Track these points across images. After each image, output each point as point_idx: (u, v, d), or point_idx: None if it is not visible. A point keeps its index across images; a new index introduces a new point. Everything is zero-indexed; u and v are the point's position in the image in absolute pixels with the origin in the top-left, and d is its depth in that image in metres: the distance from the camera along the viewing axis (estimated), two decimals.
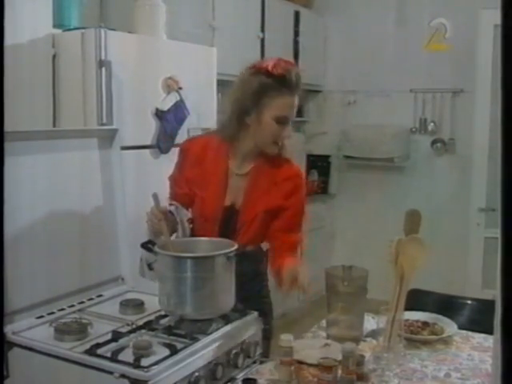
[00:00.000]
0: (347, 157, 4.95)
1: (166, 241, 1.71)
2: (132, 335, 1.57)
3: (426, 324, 1.92)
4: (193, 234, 1.93)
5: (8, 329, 1.56)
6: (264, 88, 1.79)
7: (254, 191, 1.92)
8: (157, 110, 2.84)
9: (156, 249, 1.66)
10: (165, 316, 1.67)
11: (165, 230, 1.72)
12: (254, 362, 1.68)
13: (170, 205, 1.88)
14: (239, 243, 1.83)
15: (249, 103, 1.82)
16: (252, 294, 1.91)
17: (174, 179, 2.00)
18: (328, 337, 1.81)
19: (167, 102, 2.87)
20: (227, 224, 1.91)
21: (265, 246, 2.09)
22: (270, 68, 1.79)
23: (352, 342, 1.54)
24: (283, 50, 4.49)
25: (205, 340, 1.53)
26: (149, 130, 2.84)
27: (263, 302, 2.02)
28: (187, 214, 1.91)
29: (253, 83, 1.81)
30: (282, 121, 1.83)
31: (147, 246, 1.70)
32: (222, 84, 3.14)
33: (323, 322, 2.00)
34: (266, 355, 1.79)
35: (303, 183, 2.02)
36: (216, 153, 1.94)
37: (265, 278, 2.09)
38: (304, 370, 1.58)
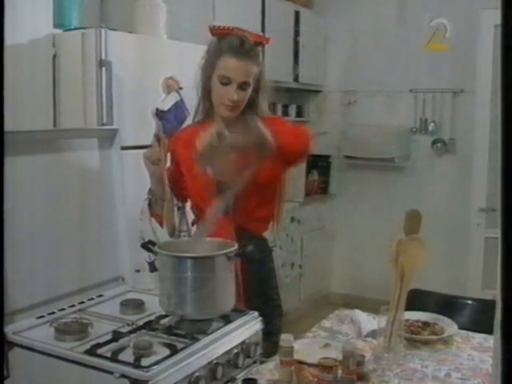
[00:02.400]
0: (347, 157, 4.95)
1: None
2: (132, 335, 1.57)
3: (426, 324, 1.92)
4: (198, 220, 1.95)
5: (8, 329, 1.55)
6: (212, 49, 1.90)
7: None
8: (157, 109, 2.83)
9: (156, 249, 1.66)
10: (165, 316, 1.67)
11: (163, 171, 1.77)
12: (255, 362, 1.68)
13: None
14: (236, 212, 1.87)
15: (207, 66, 1.91)
16: (259, 295, 1.91)
17: (170, 176, 2.00)
18: None
19: (167, 102, 2.86)
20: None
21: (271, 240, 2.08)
22: (218, 31, 1.90)
23: None
24: (283, 49, 4.50)
25: (205, 340, 1.53)
26: (149, 129, 2.82)
27: (272, 304, 2.01)
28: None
29: (208, 47, 1.93)
30: (224, 81, 1.86)
31: (147, 245, 1.70)
32: None
33: (323, 322, 2.00)
34: (270, 356, 1.78)
35: (285, 121, 2.05)
36: (201, 132, 1.95)
37: (272, 276, 2.07)
38: (304, 370, 1.58)
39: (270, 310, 1.85)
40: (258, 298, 1.91)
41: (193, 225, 2.01)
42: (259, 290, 1.94)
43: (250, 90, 1.89)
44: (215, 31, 1.91)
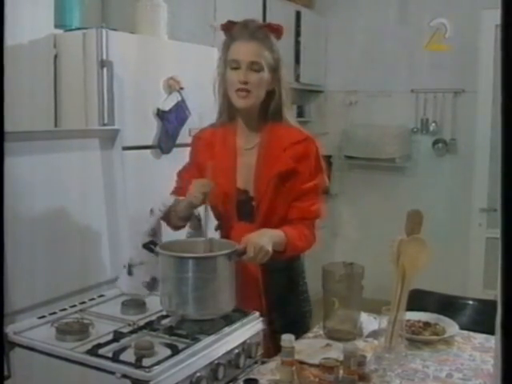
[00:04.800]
0: (348, 157, 4.95)
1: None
2: (133, 335, 1.57)
3: (427, 324, 1.91)
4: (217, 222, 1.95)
5: (9, 329, 1.56)
6: (223, 45, 1.90)
7: (264, 161, 1.91)
8: (158, 110, 2.84)
9: (157, 249, 1.66)
10: (166, 316, 1.67)
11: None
12: (256, 363, 1.67)
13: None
14: (258, 219, 1.87)
15: (221, 63, 1.91)
16: (291, 308, 1.93)
17: (185, 171, 2.00)
18: (324, 329, 1.81)
19: (168, 103, 2.87)
20: (244, 202, 1.90)
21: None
22: (226, 25, 1.90)
23: (348, 337, 1.54)
24: (284, 50, 4.49)
25: (206, 340, 1.53)
26: (150, 130, 2.84)
27: (300, 311, 2.02)
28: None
29: (221, 46, 1.93)
30: (234, 65, 1.84)
31: (149, 246, 1.70)
32: None
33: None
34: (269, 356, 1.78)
35: (315, 147, 1.93)
36: (224, 135, 1.95)
37: (304, 290, 2.09)
38: (305, 371, 1.58)
39: (297, 317, 1.87)
40: (283, 305, 1.91)
41: (216, 230, 1.97)
42: (282, 297, 1.95)
43: (264, 74, 1.85)
44: (223, 26, 1.91)
